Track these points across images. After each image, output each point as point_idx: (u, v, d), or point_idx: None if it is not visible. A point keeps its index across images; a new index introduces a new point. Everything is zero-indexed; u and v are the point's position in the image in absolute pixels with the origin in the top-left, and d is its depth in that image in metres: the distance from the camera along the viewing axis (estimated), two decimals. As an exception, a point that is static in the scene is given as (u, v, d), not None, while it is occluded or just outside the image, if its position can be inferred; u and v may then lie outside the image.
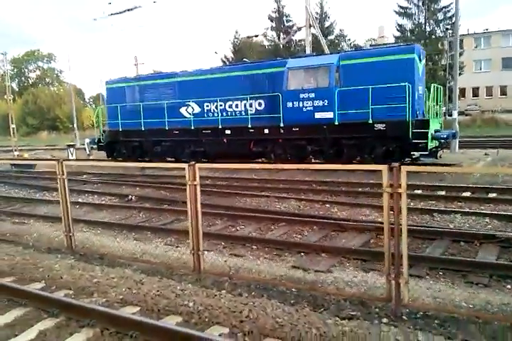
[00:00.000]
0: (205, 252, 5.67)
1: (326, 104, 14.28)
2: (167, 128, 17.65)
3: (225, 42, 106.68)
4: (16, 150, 26.59)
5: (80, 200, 11.09)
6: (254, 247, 6.60)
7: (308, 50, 21.65)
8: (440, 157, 14.35)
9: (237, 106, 16.44)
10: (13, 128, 27.81)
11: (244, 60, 22.12)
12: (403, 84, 13.08)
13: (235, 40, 56.73)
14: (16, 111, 56.21)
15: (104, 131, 19.70)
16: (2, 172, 18.32)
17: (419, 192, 10.22)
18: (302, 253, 6.27)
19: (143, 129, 18.24)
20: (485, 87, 50.79)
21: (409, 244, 5.10)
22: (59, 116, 55.11)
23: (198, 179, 5.28)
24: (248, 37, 38.12)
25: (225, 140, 16.44)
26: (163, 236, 7.54)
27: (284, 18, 53.31)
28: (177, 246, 6.93)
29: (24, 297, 4.81)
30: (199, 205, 5.34)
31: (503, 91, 50.45)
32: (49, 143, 40.94)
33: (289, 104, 14.92)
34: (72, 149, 20.66)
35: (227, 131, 16.39)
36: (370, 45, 24.71)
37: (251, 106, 16.04)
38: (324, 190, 10.95)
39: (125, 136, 18.80)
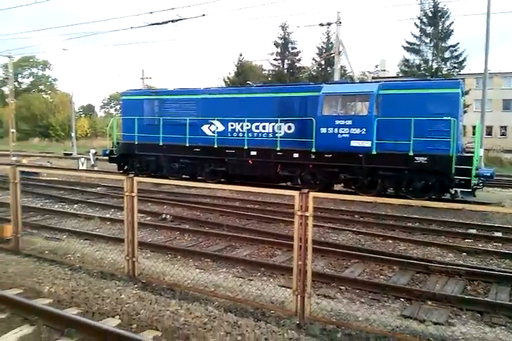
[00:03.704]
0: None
1: (363, 132, 13.78)
2: (187, 145, 16.88)
3: (228, 64, 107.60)
4: (13, 156, 25.34)
5: (107, 216, 10.18)
6: (343, 288, 5.84)
7: (336, 77, 21.37)
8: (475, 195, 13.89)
9: (264, 127, 15.84)
10: (13, 133, 26.66)
11: (248, 83, 21.71)
12: (448, 118, 12.69)
13: (239, 62, 56.95)
14: (7, 115, 54.82)
15: (117, 143, 18.82)
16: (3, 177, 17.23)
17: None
18: (401, 299, 5.53)
19: (160, 144, 17.43)
20: (485, 127, 51.53)
21: None
22: (52, 124, 53.75)
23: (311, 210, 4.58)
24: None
25: (250, 161, 15.73)
26: (226, 265, 6.72)
27: (290, 45, 53.93)
28: (250, 280, 6.12)
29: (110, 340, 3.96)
30: (310, 240, 4.62)
31: (503, 132, 51.24)
32: (41, 150, 39.58)
33: (323, 130, 14.37)
34: (83, 159, 19.65)
35: (253, 152, 15.72)
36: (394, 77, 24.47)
37: (280, 128, 15.46)
38: (371, 222, 10.30)
39: (140, 150, 17.94)
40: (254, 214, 10.70)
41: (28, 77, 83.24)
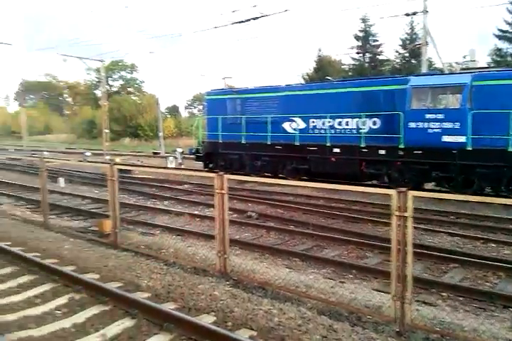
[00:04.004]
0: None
1: (456, 126, 12.88)
2: (269, 143, 16.95)
3: (308, 60, 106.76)
4: (106, 155, 27.15)
5: (196, 212, 10.48)
6: (444, 294, 5.45)
7: (424, 69, 20.28)
8: None
9: (347, 123, 15.42)
10: (106, 133, 28.59)
11: (328, 78, 21.14)
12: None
13: (318, 57, 56.21)
14: (100, 116, 58.89)
15: (203, 142, 19.39)
16: (98, 175, 18.49)
17: None
18: (511, 309, 5.04)
19: (243, 142, 17.69)
20: None
21: None
22: (141, 125, 56.95)
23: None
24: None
25: (333, 159, 15.41)
26: (316, 266, 6.59)
27: (371, 38, 52.23)
28: (341, 282, 5.94)
29: (207, 337, 4.01)
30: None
31: None
32: (132, 150, 42.01)
33: (412, 125, 13.65)
34: (171, 158, 20.55)
35: (336, 150, 15.37)
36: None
37: (364, 124, 14.95)
38: (467, 223, 9.59)
39: (224, 148, 18.34)
40: (340, 213, 10.45)
41: (118, 80, 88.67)
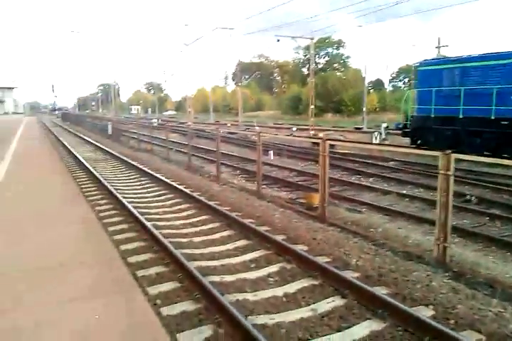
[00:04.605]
0: None
1: None
2: (493, 118, 14.71)
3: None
4: (311, 130, 27.87)
5: (404, 192, 9.78)
6: None
7: None
8: None
9: None
10: (312, 109, 29.27)
11: None
12: None
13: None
14: (306, 93, 60.78)
15: (411, 117, 18.08)
16: (303, 149, 19.05)
17: None
18: None
19: (460, 117, 15.77)
20: None
21: None
22: (344, 100, 56.98)
23: None
24: None
25: None
26: None
27: None
28: None
29: (426, 332, 3.56)
30: None
31: None
32: (334, 125, 42.36)
33: None
34: (376, 133, 19.90)
35: None
36: None
37: None
38: None
39: (437, 123, 16.71)
40: None
41: (324, 57, 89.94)
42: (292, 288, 4.55)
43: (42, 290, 4.05)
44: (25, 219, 6.59)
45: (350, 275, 4.71)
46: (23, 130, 31.51)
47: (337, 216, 7.42)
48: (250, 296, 4.35)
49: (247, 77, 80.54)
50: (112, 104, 62.87)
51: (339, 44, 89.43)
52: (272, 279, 4.83)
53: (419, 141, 17.71)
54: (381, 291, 4.33)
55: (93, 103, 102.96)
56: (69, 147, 18.58)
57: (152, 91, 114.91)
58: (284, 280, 4.79)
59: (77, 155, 15.19)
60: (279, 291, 4.48)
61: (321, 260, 5.19)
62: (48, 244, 5.41)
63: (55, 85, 74.28)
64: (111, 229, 6.61)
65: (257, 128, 35.96)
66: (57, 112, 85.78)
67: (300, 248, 5.64)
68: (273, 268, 5.08)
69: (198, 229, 6.84)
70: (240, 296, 4.33)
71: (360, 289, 4.26)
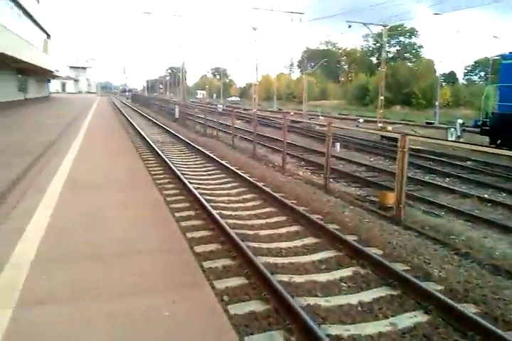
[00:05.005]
0: None
1: None
2: None
3: None
4: (379, 122, 26.80)
5: (485, 196, 9.00)
6: None
7: None
8: None
9: None
10: (381, 100, 28.11)
11: None
12: None
13: None
14: (374, 83, 58.68)
15: (492, 114, 16.77)
16: (371, 142, 18.31)
17: None
18: None
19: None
20: None
21: None
22: (414, 92, 54.45)
23: None
24: None
25: None
26: None
27: None
28: None
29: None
30: None
31: None
32: (402, 118, 40.59)
33: None
34: (452, 130, 18.68)
35: None
36: None
37: None
38: None
39: (521, 122, 15.39)
40: None
41: (395, 46, 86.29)
42: (368, 296, 4.21)
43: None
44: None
45: (432, 287, 4.28)
46: (95, 109, 32.82)
47: (413, 218, 6.90)
48: (322, 301, 4.06)
49: (312, 64, 78.97)
50: (179, 87, 64.22)
51: (412, 33, 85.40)
52: (344, 284, 4.50)
53: (499, 141, 16.43)
54: (469, 309, 3.88)
55: (161, 86, 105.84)
56: (138, 128, 19.05)
57: (218, 77, 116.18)
58: (358, 286, 4.45)
59: (146, 138, 15.49)
60: (353, 299, 4.15)
61: (399, 267, 4.79)
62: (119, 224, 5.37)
63: (126, 67, 76.69)
64: (178, 214, 6.54)
65: (321, 118, 35.22)
66: (127, 93, 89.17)
67: (374, 251, 5.26)
68: (345, 272, 4.74)
69: (263, 221, 6.62)
70: (311, 300, 4.05)
71: (446, 305, 3.83)
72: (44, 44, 43.11)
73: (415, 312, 3.93)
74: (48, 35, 46.06)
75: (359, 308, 4.02)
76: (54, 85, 75.84)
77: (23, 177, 7.66)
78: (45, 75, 48.21)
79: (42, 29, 41.38)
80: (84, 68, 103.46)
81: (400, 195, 6.63)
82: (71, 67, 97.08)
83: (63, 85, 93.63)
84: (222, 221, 5.96)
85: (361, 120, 30.40)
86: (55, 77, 58.43)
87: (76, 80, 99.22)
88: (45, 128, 16.37)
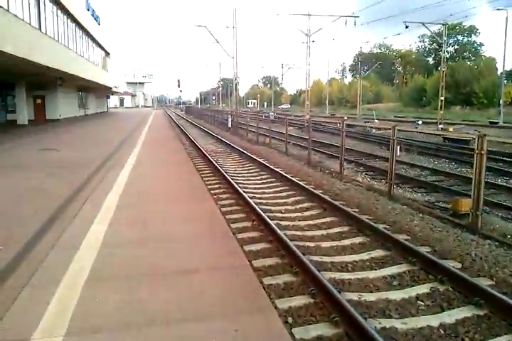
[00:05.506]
0: None
1: None
2: None
3: None
4: (440, 124, 25.47)
5: None
6: None
7: None
8: None
9: None
10: (442, 101, 26.72)
11: None
12: None
13: None
14: (431, 84, 56.33)
15: None
16: (433, 145, 17.34)
17: None
18: None
19: None
20: None
21: None
22: (475, 91, 51.57)
23: None
24: None
25: None
26: None
27: None
28: None
29: None
30: None
31: None
32: (463, 118, 38.57)
33: None
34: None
35: None
36: None
37: None
38: None
39: None
40: None
41: (453, 45, 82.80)
42: (451, 317, 3.70)
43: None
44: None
45: (528, 308, 3.70)
46: (151, 121, 33.71)
47: (491, 226, 6.24)
48: (398, 324, 3.60)
49: (366, 68, 77.26)
50: (231, 98, 64.99)
51: (471, 31, 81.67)
52: (422, 303, 4.01)
53: None
54: None
55: (213, 97, 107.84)
56: (192, 138, 19.21)
57: (268, 85, 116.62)
58: (439, 305, 3.94)
59: (200, 147, 15.51)
60: (434, 321, 3.66)
61: (483, 282, 4.23)
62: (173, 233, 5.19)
63: (180, 80, 78.87)
64: (234, 226, 6.28)
65: (376, 121, 34.15)
66: (181, 106, 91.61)
67: (452, 264, 4.71)
68: (422, 289, 4.24)
69: (324, 232, 6.21)
70: (386, 323, 3.60)
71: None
72: (103, 62, 45.13)
73: (508, 335, 3.39)
74: (108, 53, 48.22)
75: (441, 331, 3.53)
76: (113, 101, 79.41)
77: (85, 186, 7.73)
78: (104, 92, 50.45)
79: (102, 48, 43.37)
80: (142, 83, 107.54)
81: (477, 200, 6.01)
82: (128, 83, 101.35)
83: (121, 101, 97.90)
84: (280, 232, 5.62)
85: (420, 122, 29.08)
86: (113, 93, 61.05)
87: (133, 95, 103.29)
88: (107, 142, 16.79)
